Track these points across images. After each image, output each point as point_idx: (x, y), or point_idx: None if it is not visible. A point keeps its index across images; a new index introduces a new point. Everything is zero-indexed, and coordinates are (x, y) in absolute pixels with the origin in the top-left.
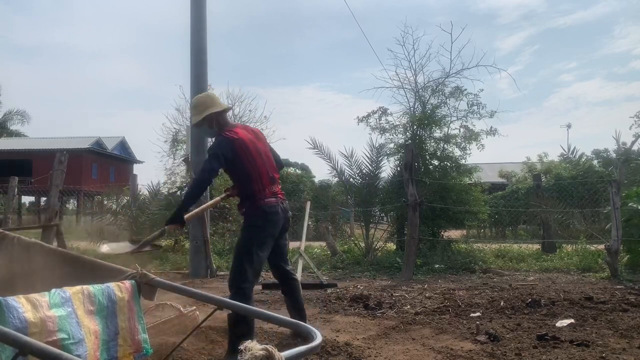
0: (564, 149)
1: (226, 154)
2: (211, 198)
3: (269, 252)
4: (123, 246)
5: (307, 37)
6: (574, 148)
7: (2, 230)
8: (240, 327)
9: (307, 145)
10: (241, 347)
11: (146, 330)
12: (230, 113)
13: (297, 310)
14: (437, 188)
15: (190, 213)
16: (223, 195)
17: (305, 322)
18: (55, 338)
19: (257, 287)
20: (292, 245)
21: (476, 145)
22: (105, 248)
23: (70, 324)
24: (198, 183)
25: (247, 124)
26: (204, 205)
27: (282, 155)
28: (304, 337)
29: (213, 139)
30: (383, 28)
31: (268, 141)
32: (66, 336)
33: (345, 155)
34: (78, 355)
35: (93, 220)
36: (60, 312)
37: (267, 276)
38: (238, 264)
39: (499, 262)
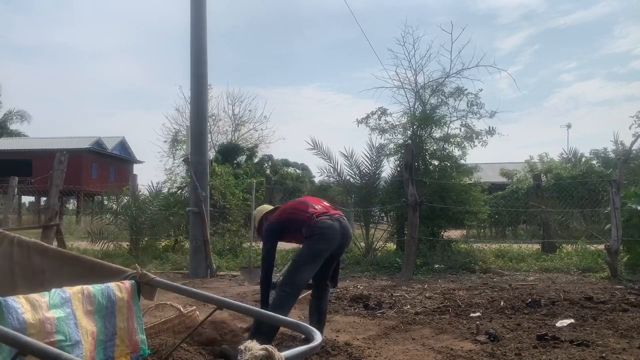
0: (564, 150)
1: (269, 235)
2: (211, 198)
3: (321, 264)
4: None
5: (307, 37)
6: (574, 149)
7: (2, 230)
8: (265, 329)
9: (307, 145)
10: (241, 347)
11: (144, 330)
12: (230, 112)
13: (319, 312)
14: (437, 188)
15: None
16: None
17: (324, 326)
18: (52, 340)
19: (257, 287)
20: (292, 245)
21: (478, 142)
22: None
23: (68, 325)
24: (263, 270)
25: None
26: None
27: (282, 155)
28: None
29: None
30: (383, 28)
31: (271, 142)
32: (63, 338)
33: (345, 155)
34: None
35: (93, 220)
36: (59, 314)
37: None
38: (291, 270)
39: (499, 262)
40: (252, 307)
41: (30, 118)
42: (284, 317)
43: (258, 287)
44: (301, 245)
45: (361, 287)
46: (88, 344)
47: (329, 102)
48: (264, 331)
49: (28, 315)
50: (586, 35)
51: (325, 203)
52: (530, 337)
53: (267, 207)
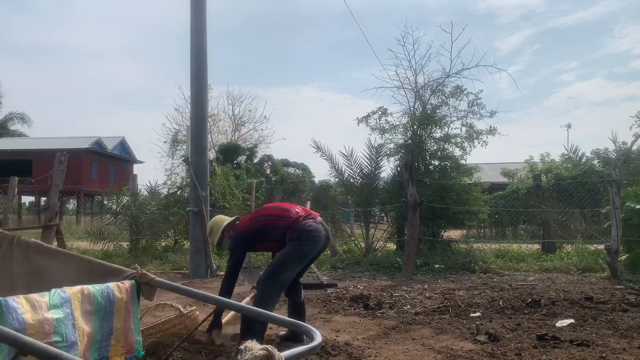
0: (566, 148)
1: (239, 245)
2: (211, 198)
3: (303, 266)
4: None
5: (307, 37)
6: (576, 147)
7: (2, 230)
8: (255, 326)
9: (308, 145)
10: (241, 346)
11: (140, 332)
12: (230, 112)
13: (298, 313)
14: (437, 188)
15: (226, 317)
16: (249, 298)
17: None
18: (49, 341)
19: None
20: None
21: (479, 142)
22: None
23: (66, 326)
24: (227, 277)
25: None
26: (227, 317)
27: (282, 155)
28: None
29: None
30: (383, 28)
31: (271, 142)
32: (60, 339)
33: (345, 155)
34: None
35: (93, 220)
36: (58, 314)
37: None
38: (273, 269)
39: (499, 262)
40: (251, 307)
41: (31, 121)
42: (283, 317)
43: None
44: (277, 252)
45: (361, 287)
46: (83, 344)
47: (329, 102)
48: (255, 330)
49: (28, 315)
50: (586, 35)
51: (301, 207)
52: (530, 337)
53: (226, 218)
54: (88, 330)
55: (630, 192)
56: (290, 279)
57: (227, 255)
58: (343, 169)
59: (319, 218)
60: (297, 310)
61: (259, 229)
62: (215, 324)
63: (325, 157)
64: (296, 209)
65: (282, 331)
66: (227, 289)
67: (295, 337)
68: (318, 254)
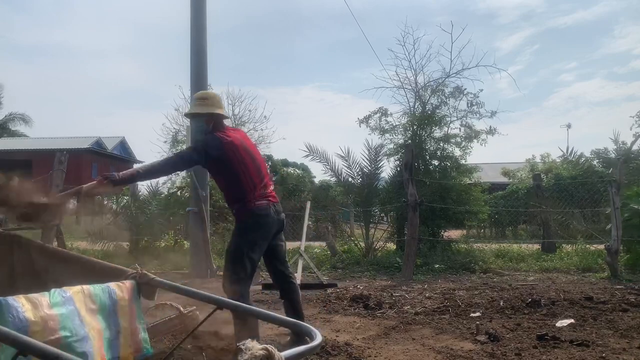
0: (562, 150)
1: (211, 152)
2: (211, 198)
3: (261, 254)
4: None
5: (307, 37)
6: (572, 149)
7: (2, 230)
8: (246, 327)
9: (301, 148)
10: (241, 346)
11: (146, 330)
12: (230, 112)
13: (295, 313)
14: (437, 188)
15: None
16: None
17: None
18: (57, 336)
19: (257, 287)
20: (292, 245)
21: (478, 141)
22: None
23: (73, 321)
24: (166, 163)
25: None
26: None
27: (282, 155)
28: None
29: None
30: (383, 28)
31: (271, 142)
32: (69, 334)
33: (342, 156)
34: (83, 353)
35: (93, 221)
36: (61, 311)
37: (267, 276)
38: (229, 267)
39: (499, 262)
40: (251, 307)
41: (32, 121)
42: (283, 317)
43: (258, 287)
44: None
45: (361, 287)
46: (96, 340)
47: (329, 102)
48: (248, 327)
49: (29, 313)
50: (586, 35)
51: (266, 176)
52: (530, 337)
53: (217, 105)
54: (97, 326)
55: (632, 192)
56: (249, 271)
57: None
58: (341, 170)
59: (272, 197)
60: (293, 309)
61: (231, 165)
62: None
63: (319, 159)
64: (263, 178)
65: (285, 335)
66: (152, 172)
67: (297, 338)
68: (274, 236)
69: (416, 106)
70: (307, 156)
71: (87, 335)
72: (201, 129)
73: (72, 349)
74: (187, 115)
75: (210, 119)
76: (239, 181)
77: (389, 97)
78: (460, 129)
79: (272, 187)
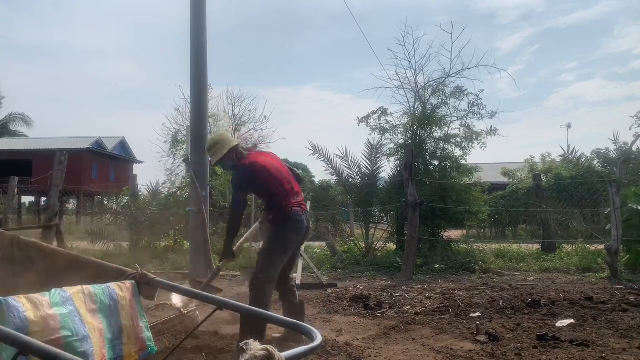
0: (563, 149)
1: (246, 181)
2: (211, 198)
3: (288, 257)
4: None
5: (307, 37)
6: (573, 148)
7: (2, 231)
8: (252, 327)
9: (307, 145)
10: (242, 345)
11: (149, 328)
12: (230, 112)
13: (296, 314)
14: (437, 188)
15: (237, 244)
16: (258, 223)
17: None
18: (58, 336)
19: None
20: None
21: (478, 144)
22: (175, 299)
23: (74, 321)
24: (233, 218)
25: (247, 124)
26: (246, 235)
27: (282, 155)
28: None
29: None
30: (383, 28)
31: (271, 142)
32: (69, 333)
33: (341, 156)
34: (84, 352)
35: (93, 221)
36: (62, 311)
37: None
38: (261, 265)
39: (499, 262)
40: (251, 307)
41: (32, 122)
42: (284, 317)
43: None
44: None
45: (361, 287)
46: (97, 339)
47: (329, 102)
48: (255, 330)
49: (30, 313)
50: (586, 35)
51: (296, 186)
52: (530, 337)
53: (230, 141)
54: (98, 326)
55: (632, 193)
56: (277, 272)
57: None
58: (342, 170)
59: (303, 205)
60: (294, 311)
61: (263, 183)
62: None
63: (323, 158)
64: (293, 187)
65: (277, 334)
66: (232, 227)
67: (292, 338)
68: (299, 245)
69: (416, 106)
70: (312, 154)
71: (88, 334)
72: (228, 167)
73: (72, 349)
74: (214, 166)
75: (231, 155)
76: (273, 191)
77: (389, 97)
78: (460, 129)
79: (302, 197)
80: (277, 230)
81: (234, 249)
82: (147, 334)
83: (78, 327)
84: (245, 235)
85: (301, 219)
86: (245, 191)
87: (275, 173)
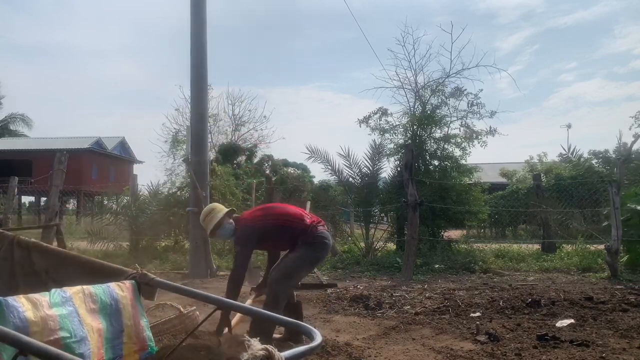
0: (564, 149)
1: (252, 240)
2: (211, 198)
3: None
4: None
5: (307, 37)
6: (574, 148)
7: (2, 230)
8: (267, 327)
9: (303, 151)
10: (246, 342)
11: (150, 328)
12: (230, 112)
13: (294, 313)
14: (437, 188)
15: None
16: (251, 299)
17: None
18: (56, 337)
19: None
20: None
21: (478, 142)
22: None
23: (72, 322)
24: (234, 279)
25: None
26: (235, 319)
27: (281, 155)
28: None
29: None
30: (383, 28)
31: (271, 142)
32: (68, 335)
33: (343, 156)
34: (81, 354)
35: (93, 221)
36: (61, 311)
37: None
38: (287, 276)
39: (499, 262)
40: (252, 307)
41: (32, 122)
42: (284, 317)
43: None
44: (278, 252)
45: (361, 287)
46: (94, 340)
47: (329, 102)
48: (265, 331)
49: (29, 313)
50: (586, 35)
51: (308, 212)
52: (530, 337)
53: (222, 207)
54: (97, 326)
55: (631, 192)
56: (299, 282)
57: (226, 255)
58: (342, 170)
59: (322, 222)
60: (293, 310)
61: (274, 227)
62: (224, 324)
63: (321, 160)
64: (308, 215)
65: (277, 334)
66: (234, 291)
67: (292, 339)
68: (323, 259)
69: (416, 106)
70: (309, 158)
71: (86, 336)
72: (229, 231)
73: (70, 350)
74: (212, 233)
75: (226, 219)
76: (289, 227)
77: (389, 97)
78: (460, 129)
79: (323, 222)
80: (308, 248)
81: (233, 323)
82: (148, 333)
83: (76, 328)
84: (235, 319)
85: (328, 237)
86: (251, 248)
87: (280, 212)
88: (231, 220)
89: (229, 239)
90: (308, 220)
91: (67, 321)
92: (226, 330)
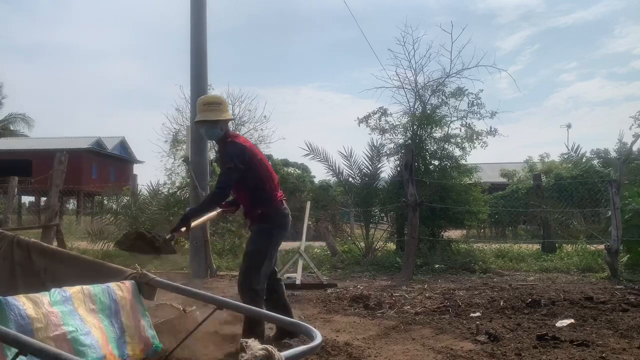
0: (567, 147)
1: (242, 163)
2: None
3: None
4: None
5: (307, 37)
6: (578, 146)
7: (2, 230)
8: (256, 328)
9: (300, 146)
10: (243, 343)
11: (152, 326)
12: (231, 111)
13: (282, 308)
14: (437, 188)
15: (195, 222)
16: (218, 211)
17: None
18: (62, 331)
19: None
20: (292, 245)
21: (479, 143)
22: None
23: (74, 318)
24: (216, 198)
25: (247, 124)
26: (204, 217)
27: (282, 155)
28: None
29: (215, 144)
30: (383, 28)
31: (271, 142)
32: (73, 329)
33: (344, 156)
34: (90, 345)
35: (93, 220)
36: (62, 309)
37: None
38: (252, 266)
39: (499, 262)
40: (252, 307)
41: (33, 122)
42: (283, 317)
43: None
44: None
45: (361, 287)
46: (99, 335)
47: (329, 102)
48: (257, 331)
49: (30, 310)
50: (586, 35)
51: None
52: (530, 337)
53: (229, 114)
54: (98, 325)
55: (632, 193)
56: (268, 271)
57: (226, 255)
58: (342, 169)
59: (285, 200)
60: (281, 307)
61: (255, 170)
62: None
63: (320, 158)
64: (277, 181)
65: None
66: (208, 207)
67: (284, 335)
68: (284, 238)
69: (416, 106)
70: (307, 155)
71: (90, 330)
72: (215, 135)
73: (79, 342)
74: (199, 122)
75: (226, 125)
76: (264, 184)
77: (389, 97)
78: (460, 129)
79: (285, 199)
80: (268, 229)
81: (193, 224)
82: (151, 331)
83: (79, 324)
84: (204, 218)
85: (288, 213)
86: (240, 172)
87: (265, 163)
88: (227, 129)
89: (208, 139)
90: (277, 192)
91: (69, 318)
92: (183, 229)
